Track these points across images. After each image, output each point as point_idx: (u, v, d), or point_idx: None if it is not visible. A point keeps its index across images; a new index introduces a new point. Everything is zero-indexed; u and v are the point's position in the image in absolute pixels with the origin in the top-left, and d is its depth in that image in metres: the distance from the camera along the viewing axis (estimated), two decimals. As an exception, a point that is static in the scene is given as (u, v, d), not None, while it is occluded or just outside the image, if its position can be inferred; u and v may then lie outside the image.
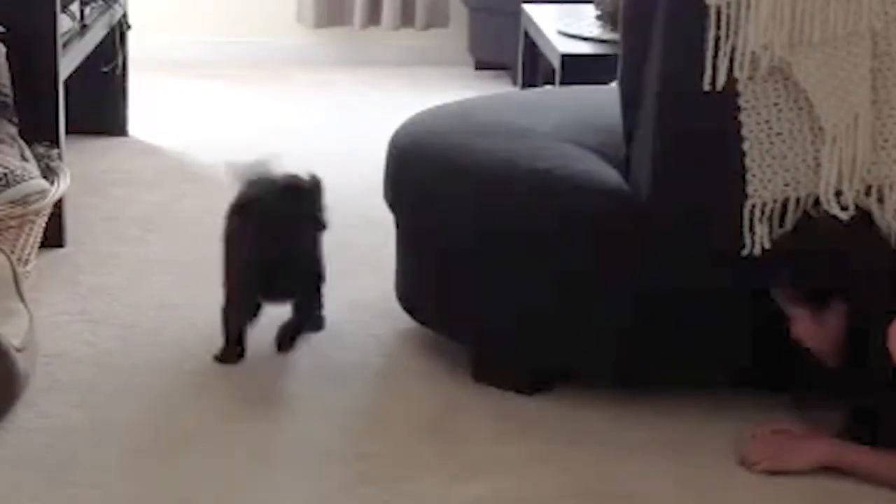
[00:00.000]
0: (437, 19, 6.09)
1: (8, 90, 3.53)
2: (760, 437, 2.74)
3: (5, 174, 3.34)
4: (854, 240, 2.69)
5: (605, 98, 3.15)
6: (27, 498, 2.56)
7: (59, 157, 3.63)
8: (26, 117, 3.58)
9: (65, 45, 3.85)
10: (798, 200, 2.71)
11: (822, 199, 2.68)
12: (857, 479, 2.64)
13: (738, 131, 2.68)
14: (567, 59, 4.19)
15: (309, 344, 3.04)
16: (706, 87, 2.65)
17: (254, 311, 3.08)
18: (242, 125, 5.11)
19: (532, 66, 4.84)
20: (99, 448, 2.72)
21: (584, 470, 2.70)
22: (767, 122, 2.68)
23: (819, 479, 2.66)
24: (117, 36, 4.61)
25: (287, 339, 3.01)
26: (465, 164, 2.98)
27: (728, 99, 2.67)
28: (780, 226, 2.71)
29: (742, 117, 2.67)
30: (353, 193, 4.23)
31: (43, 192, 3.42)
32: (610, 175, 2.85)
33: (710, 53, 2.64)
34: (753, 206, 2.70)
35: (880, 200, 2.72)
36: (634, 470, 2.71)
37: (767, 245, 2.70)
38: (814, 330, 2.72)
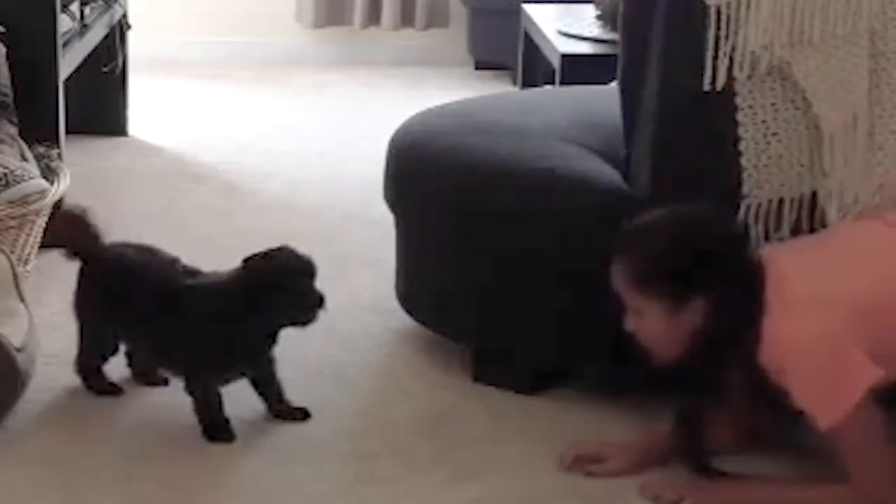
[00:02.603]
0: (437, 19, 6.09)
1: (8, 90, 3.53)
2: (652, 486, 2.60)
3: (5, 174, 3.35)
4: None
5: (605, 98, 3.15)
6: (27, 497, 2.56)
7: (59, 157, 3.63)
8: (26, 117, 3.58)
9: (65, 45, 3.85)
10: (793, 200, 2.72)
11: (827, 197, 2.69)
12: None
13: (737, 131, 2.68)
14: (567, 59, 4.20)
15: (309, 344, 3.03)
16: (706, 87, 2.65)
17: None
18: (242, 125, 5.11)
19: (532, 66, 4.84)
20: (98, 448, 2.72)
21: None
22: (764, 122, 2.68)
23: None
24: (117, 36, 4.62)
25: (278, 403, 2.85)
26: (466, 164, 2.98)
27: (727, 99, 2.67)
28: (777, 226, 2.72)
29: (739, 117, 2.68)
30: (353, 193, 4.24)
31: (43, 192, 3.42)
32: (610, 175, 2.86)
33: (710, 53, 2.64)
34: (749, 206, 2.71)
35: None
36: (634, 470, 2.71)
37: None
38: (661, 327, 2.49)
